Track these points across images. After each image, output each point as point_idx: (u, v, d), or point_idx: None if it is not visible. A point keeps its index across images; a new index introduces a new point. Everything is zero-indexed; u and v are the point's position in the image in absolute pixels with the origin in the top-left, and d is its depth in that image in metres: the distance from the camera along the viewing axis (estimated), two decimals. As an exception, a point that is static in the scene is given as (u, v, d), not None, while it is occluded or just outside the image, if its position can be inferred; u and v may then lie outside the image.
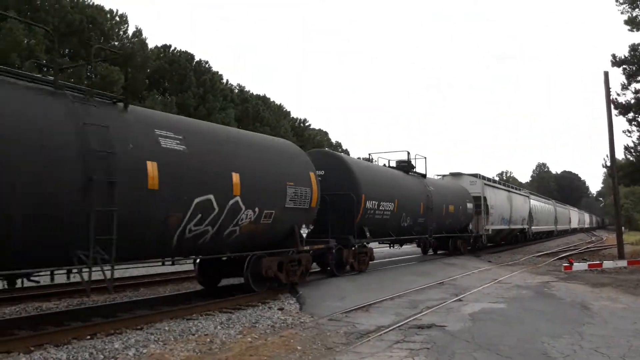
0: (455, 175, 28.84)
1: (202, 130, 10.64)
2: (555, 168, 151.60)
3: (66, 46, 32.18)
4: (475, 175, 29.36)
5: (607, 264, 19.35)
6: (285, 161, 12.52)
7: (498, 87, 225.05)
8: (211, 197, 9.78)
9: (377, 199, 16.82)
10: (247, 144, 11.63)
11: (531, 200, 41.33)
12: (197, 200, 9.45)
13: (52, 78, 8.19)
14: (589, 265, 19.31)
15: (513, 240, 37.66)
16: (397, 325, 9.04)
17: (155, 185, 8.63)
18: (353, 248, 16.09)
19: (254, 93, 53.51)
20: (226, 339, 8.09)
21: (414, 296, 12.51)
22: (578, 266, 18.99)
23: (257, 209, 11.00)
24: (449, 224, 23.93)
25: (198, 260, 11.85)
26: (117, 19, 38.77)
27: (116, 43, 36.95)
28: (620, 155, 28.90)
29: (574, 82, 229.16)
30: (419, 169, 21.94)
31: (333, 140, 71.23)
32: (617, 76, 43.67)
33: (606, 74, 23.49)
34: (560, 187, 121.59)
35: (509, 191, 34.73)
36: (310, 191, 12.83)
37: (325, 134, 70.42)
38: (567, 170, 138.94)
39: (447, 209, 23.28)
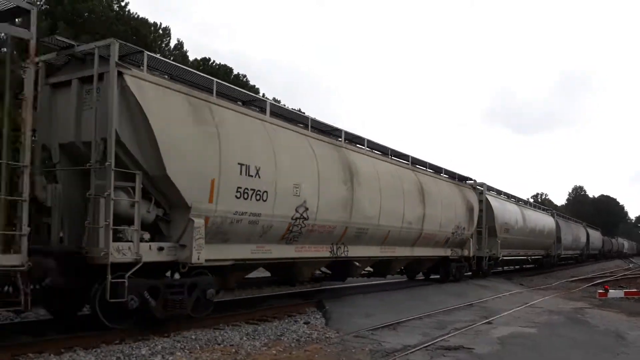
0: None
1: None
2: (593, 192, 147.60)
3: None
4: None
5: (645, 293, 18.68)
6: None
7: (535, 105, 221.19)
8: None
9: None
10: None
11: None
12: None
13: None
14: (625, 293, 18.62)
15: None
16: (424, 345, 8.91)
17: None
18: None
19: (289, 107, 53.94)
20: (251, 351, 8.12)
21: (442, 317, 12.32)
22: (614, 293, 18.33)
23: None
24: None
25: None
26: (160, 31, 39.75)
27: (158, 55, 37.91)
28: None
29: (612, 103, 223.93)
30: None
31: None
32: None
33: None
34: (597, 211, 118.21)
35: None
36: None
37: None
38: (605, 194, 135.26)
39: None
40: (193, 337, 8.74)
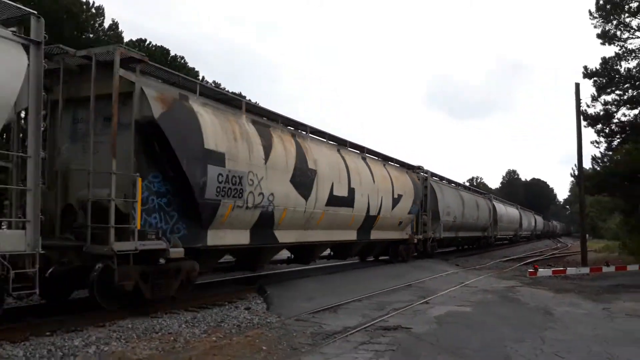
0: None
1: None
2: (525, 175, 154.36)
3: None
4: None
5: (571, 271, 19.74)
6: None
7: (473, 91, 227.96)
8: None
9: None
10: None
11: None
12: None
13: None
14: (553, 272, 19.68)
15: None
16: (364, 326, 9.05)
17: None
18: None
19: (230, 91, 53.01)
20: (190, 338, 7.98)
21: (381, 298, 12.55)
22: (543, 272, 19.33)
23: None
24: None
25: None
26: (93, 10, 37.97)
27: (91, 35, 36.26)
28: (588, 165, 29.60)
29: (546, 90, 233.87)
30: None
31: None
32: (588, 88, 44.60)
33: (577, 86, 24.07)
34: (528, 194, 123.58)
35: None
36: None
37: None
38: (536, 177, 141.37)
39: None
40: (129, 326, 8.50)
